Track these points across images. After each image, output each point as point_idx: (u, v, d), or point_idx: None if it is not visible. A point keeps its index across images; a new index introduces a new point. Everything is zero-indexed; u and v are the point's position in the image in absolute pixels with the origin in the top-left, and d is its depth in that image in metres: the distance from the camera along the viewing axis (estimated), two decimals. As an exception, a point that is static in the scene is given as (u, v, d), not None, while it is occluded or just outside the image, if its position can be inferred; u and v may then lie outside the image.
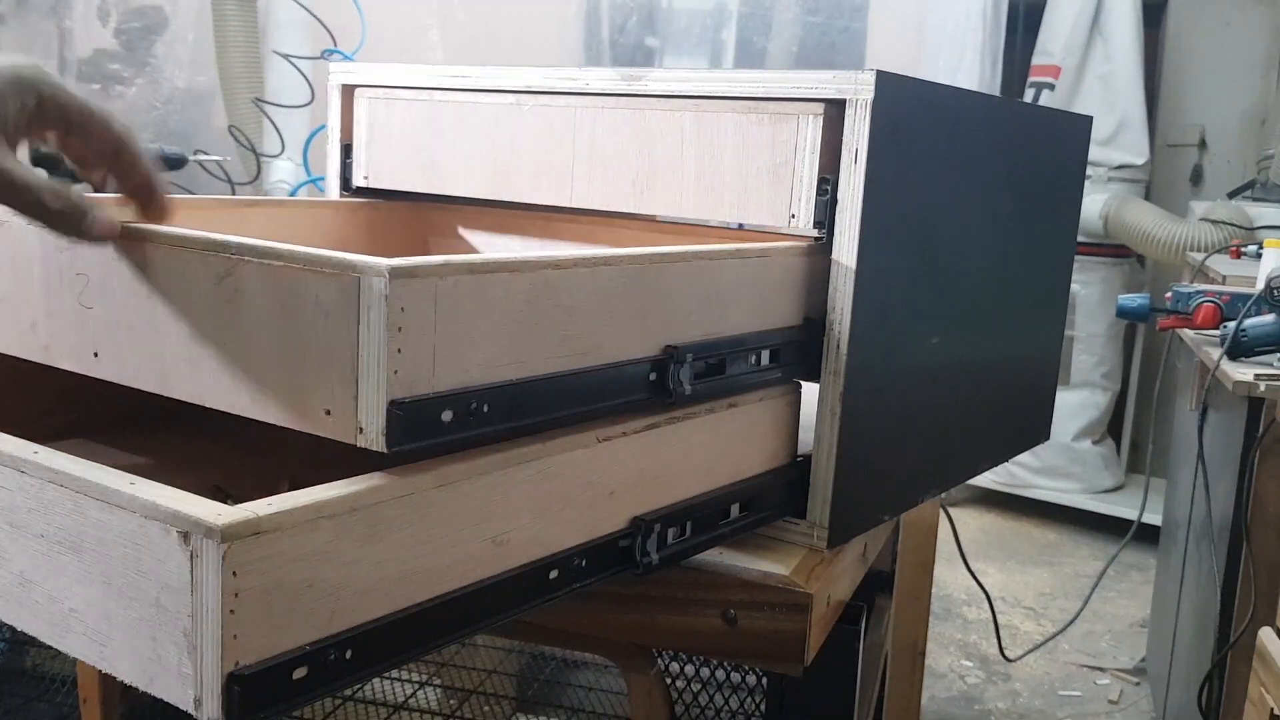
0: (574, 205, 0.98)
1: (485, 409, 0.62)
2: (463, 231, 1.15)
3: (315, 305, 0.59)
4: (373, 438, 0.57)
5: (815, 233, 0.85)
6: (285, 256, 0.60)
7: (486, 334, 0.62)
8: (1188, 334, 1.80)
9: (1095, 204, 3.35)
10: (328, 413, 0.59)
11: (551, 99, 0.98)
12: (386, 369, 0.57)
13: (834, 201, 0.83)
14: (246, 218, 1.01)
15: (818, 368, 0.86)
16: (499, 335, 0.63)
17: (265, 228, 1.01)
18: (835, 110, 0.84)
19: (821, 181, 0.84)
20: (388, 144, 1.11)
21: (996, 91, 2.94)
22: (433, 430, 0.59)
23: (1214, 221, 2.99)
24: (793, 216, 0.86)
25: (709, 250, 0.78)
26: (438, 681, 1.69)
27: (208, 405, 0.65)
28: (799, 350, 0.87)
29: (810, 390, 0.88)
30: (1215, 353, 1.61)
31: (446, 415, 0.60)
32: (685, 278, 0.76)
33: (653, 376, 0.75)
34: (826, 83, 0.83)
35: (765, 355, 0.84)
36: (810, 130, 0.84)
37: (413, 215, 1.15)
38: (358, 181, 1.13)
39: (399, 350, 0.57)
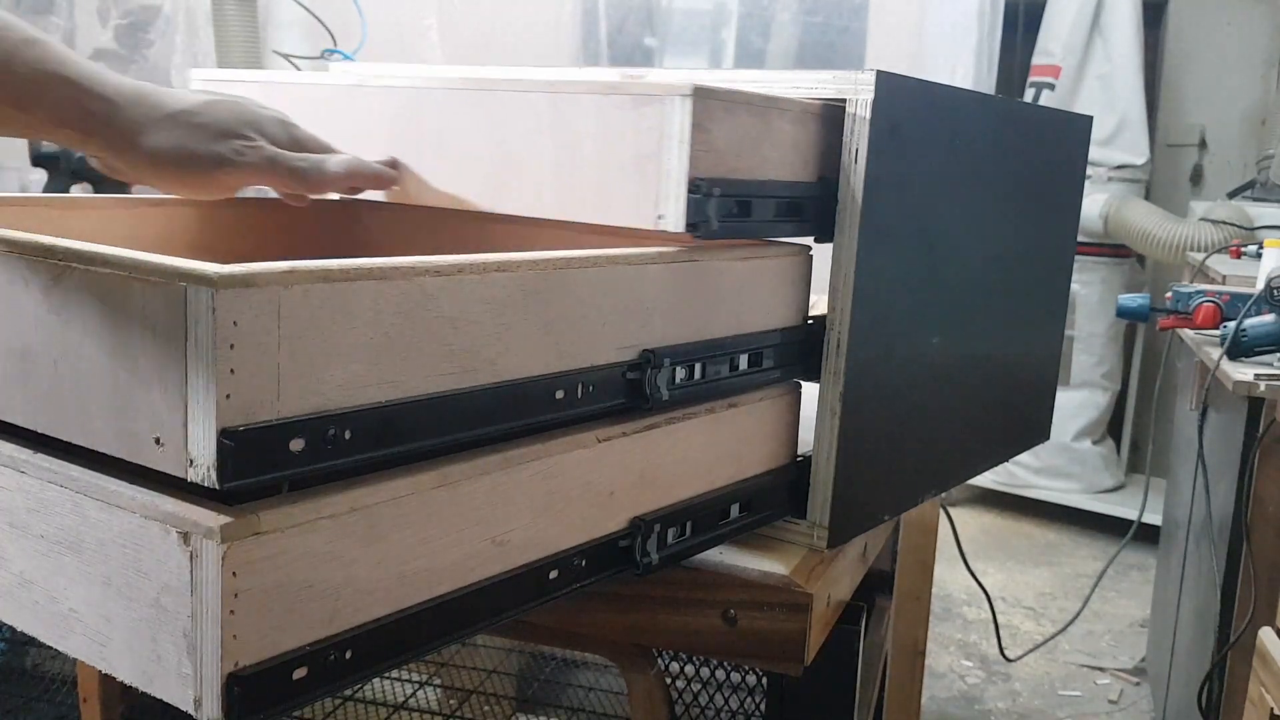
0: (423, 203, 0.89)
1: (348, 435, 0.56)
2: (399, 228, 1.08)
3: (143, 318, 0.52)
4: (203, 472, 0.51)
5: (686, 233, 0.75)
6: (112, 262, 0.54)
7: (348, 350, 0.55)
8: (1188, 334, 1.80)
9: (1095, 204, 3.35)
10: (158, 441, 0.53)
11: (395, 85, 0.90)
12: (217, 393, 0.50)
13: (708, 199, 0.77)
14: (148, 219, 0.95)
15: (818, 368, 0.86)
16: (364, 351, 0.56)
17: (166, 232, 0.95)
18: (705, 96, 0.73)
19: (694, 177, 0.74)
20: None
21: (991, 91, 2.94)
22: (278, 462, 0.53)
23: (1214, 221, 3.00)
24: (660, 217, 0.74)
25: (623, 254, 0.72)
26: (438, 681, 1.69)
27: (40, 430, 0.59)
28: (799, 350, 0.87)
29: (810, 390, 0.88)
30: (1215, 353, 1.61)
31: (297, 444, 0.53)
32: (599, 283, 0.69)
33: (631, 376, 0.73)
34: (826, 83, 0.83)
35: (747, 359, 0.82)
36: (678, 117, 0.73)
37: (340, 216, 1.11)
38: None
39: (232, 371, 0.50)
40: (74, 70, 0.73)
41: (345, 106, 0.91)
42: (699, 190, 0.74)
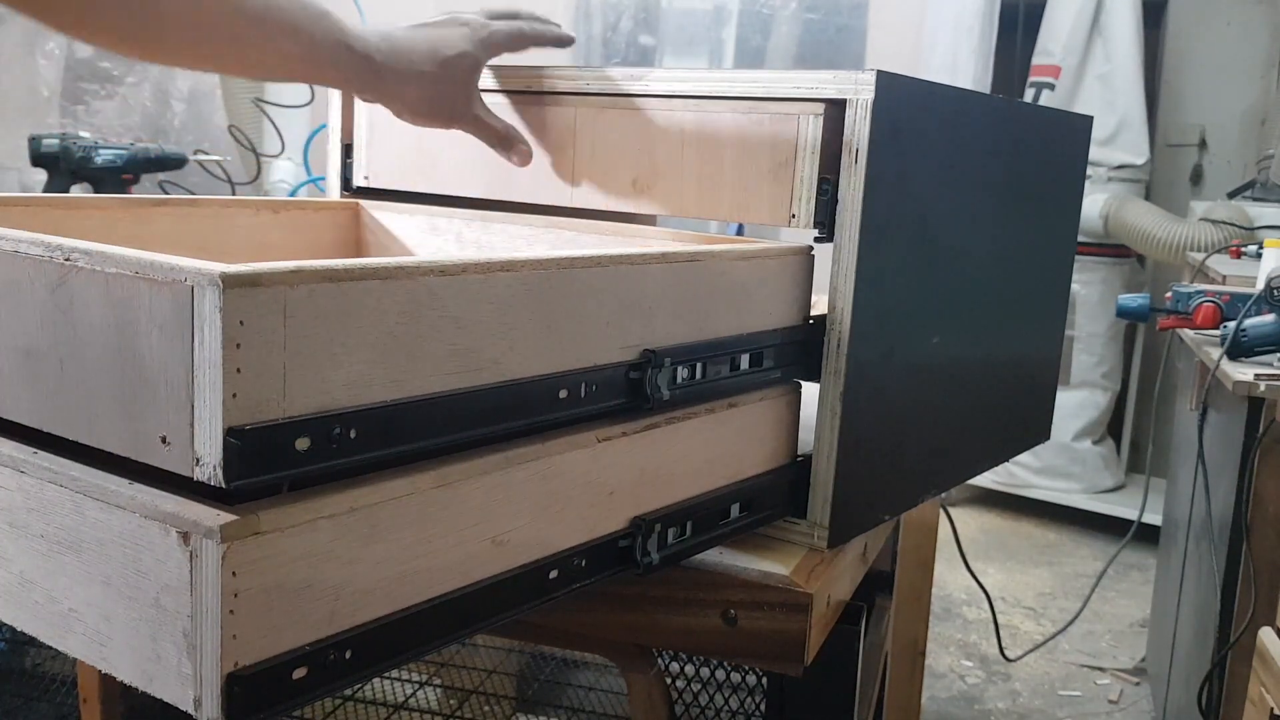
0: (574, 205, 0.97)
1: (353, 434, 0.56)
2: (399, 229, 1.11)
3: (149, 318, 0.53)
4: (210, 470, 0.51)
5: (816, 231, 0.85)
6: (119, 262, 0.54)
7: (353, 350, 0.56)
8: (1188, 334, 1.80)
9: (1095, 204, 3.35)
10: (164, 440, 0.53)
11: (553, 99, 0.98)
12: (223, 392, 0.50)
13: (834, 201, 0.83)
14: (150, 219, 0.95)
15: (818, 368, 0.86)
16: (369, 351, 0.56)
17: (168, 232, 0.96)
18: (836, 110, 0.83)
19: (822, 181, 0.84)
20: (388, 143, 1.10)
21: (987, 91, 2.94)
22: (284, 461, 0.53)
23: (1214, 221, 2.99)
24: (793, 216, 0.85)
25: (625, 254, 0.72)
26: (438, 681, 1.69)
27: (46, 430, 0.59)
28: (799, 350, 0.87)
29: (810, 390, 0.88)
30: (1215, 353, 1.61)
31: (302, 443, 0.54)
32: (602, 283, 0.70)
33: (633, 376, 0.73)
34: (826, 83, 0.83)
35: (748, 359, 0.83)
36: (810, 130, 0.84)
37: (343, 217, 1.13)
38: (358, 181, 1.13)
39: (238, 370, 0.51)
40: (350, 35, 0.88)
41: (508, 117, 1.00)
42: (825, 193, 0.83)
